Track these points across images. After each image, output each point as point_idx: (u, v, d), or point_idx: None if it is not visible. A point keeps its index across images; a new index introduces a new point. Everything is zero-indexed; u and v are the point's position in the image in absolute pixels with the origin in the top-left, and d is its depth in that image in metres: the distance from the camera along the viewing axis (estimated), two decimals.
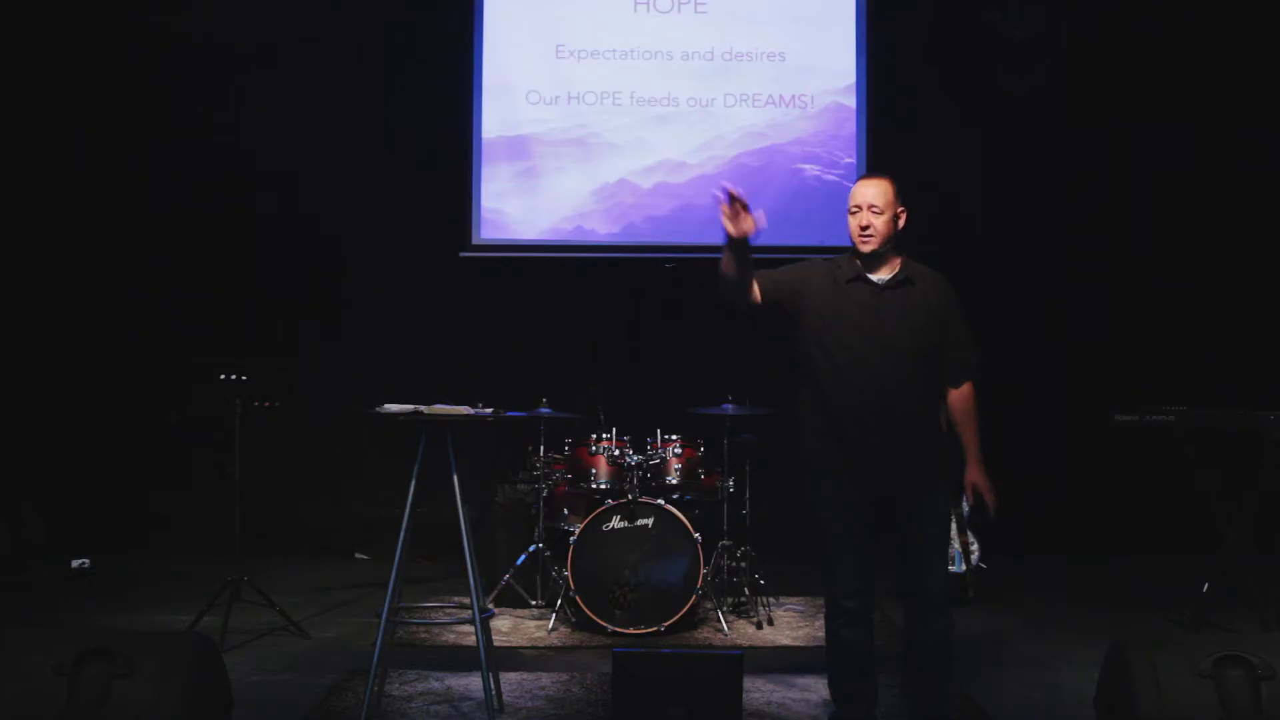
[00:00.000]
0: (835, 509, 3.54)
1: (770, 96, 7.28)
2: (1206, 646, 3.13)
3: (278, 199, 7.17)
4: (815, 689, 4.32)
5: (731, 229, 3.29)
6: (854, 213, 3.55)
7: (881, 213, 3.52)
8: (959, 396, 3.66)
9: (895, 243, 3.58)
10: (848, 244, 3.62)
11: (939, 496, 3.60)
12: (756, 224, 3.29)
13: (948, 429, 3.66)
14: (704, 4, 7.31)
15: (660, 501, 5.29)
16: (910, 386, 3.50)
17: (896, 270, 3.58)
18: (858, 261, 3.59)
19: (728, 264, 3.42)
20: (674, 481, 5.53)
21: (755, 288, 3.52)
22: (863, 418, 3.48)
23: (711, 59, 7.30)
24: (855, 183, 3.64)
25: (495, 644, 4.54)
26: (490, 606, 4.71)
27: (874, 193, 3.54)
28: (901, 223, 3.59)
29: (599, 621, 5.15)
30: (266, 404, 5.35)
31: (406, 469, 3.98)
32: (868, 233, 3.52)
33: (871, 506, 3.53)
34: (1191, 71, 7.13)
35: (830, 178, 7.27)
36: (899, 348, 3.49)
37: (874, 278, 3.57)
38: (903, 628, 3.70)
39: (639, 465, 5.44)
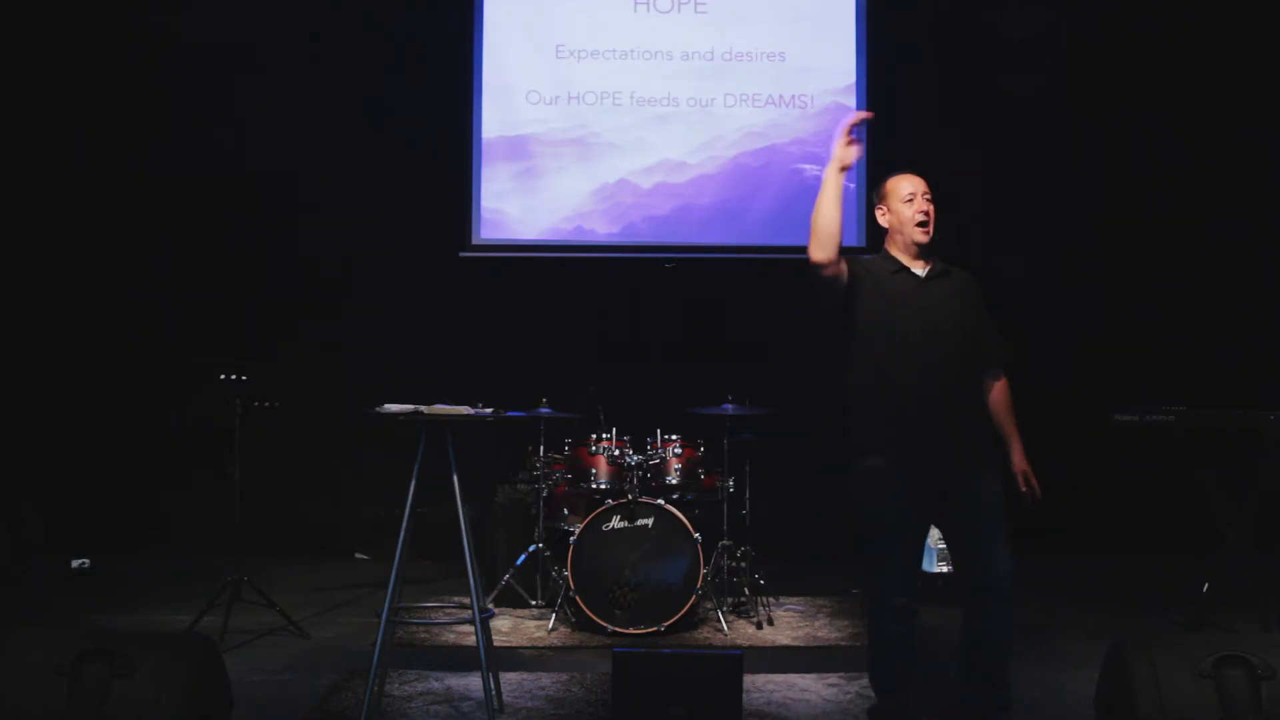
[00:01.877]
0: (891, 501, 3.50)
1: (770, 96, 7.29)
2: (1206, 646, 3.13)
3: (278, 199, 7.17)
4: (815, 689, 4.32)
5: (845, 155, 3.34)
6: (909, 200, 3.57)
7: (933, 202, 3.58)
8: (996, 388, 3.70)
9: None
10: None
11: (994, 479, 3.56)
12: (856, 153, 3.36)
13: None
14: (704, 4, 7.31)
15: (660, 501, 5.29)
16: (962, 370, 3.56)
17: (933, 264, 3.62)
18: (896, 255, 3.62)
19: (831, 205, 3.39)
20: (674, 481, 5.53)
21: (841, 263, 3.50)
22: (922, 398, 3.47)
23: (711, 59, 7.30)
24: (892, 177, 3.65)
25: (495, 644, 4.54)
26: (490, 606, 4.70)
27: (924, 183, 3.58)
28: None
29: (599, 621, 5.15)
30: (266, 404, 5.36)
31: (406, 469, 3.98)
32: (928, 220, 3.55)
33: (924, 499, 3.50)
34: (1191, 71, 7.13)
35: None
36: (949, 333, 3.53)
37: (916, 271, 3.61)
38: (963, 623, 3.60)
39: (639, 465, 5.44)
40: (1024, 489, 3.64)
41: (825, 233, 3.42)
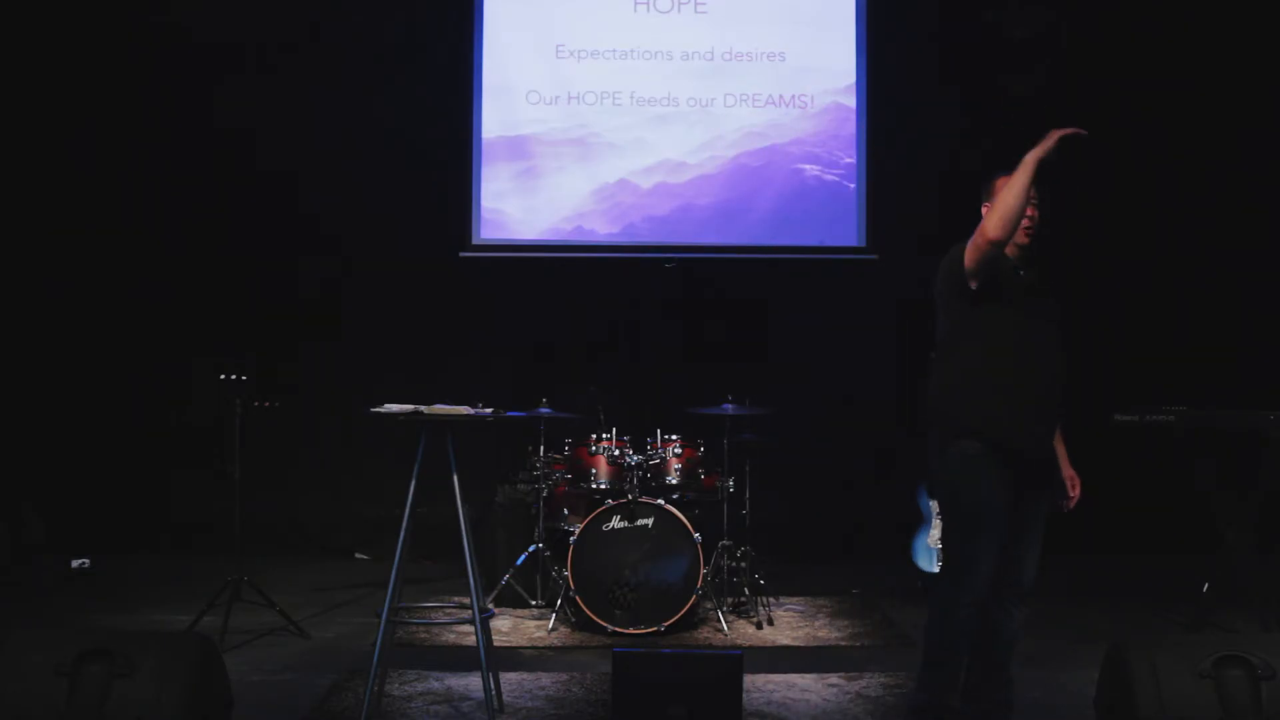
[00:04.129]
0: (995, 491, 3.48)
1: (770, 96, 7.29)
2: (1206, 646, 3.13)
3: (278, 199, 7.17)
4: (815, 689, 4.32)
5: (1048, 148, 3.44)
6: None
7: (1038, 207, 3.63)
8: None
9: None
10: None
11: (1049, 489, 3.67)
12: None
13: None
14: (704, 4, 7.31)
15: (660, 501, 5.28)
16: (1061, 375, 3.61)
17: (1032, 268, 3.67)
18: (1006, 255, 3.63)
19: (1023, 191, 3.45)
20: (674, 481, 5.53)
21: None
22: (1038, 397, 3.52)
23: (711, 59, 7.30)
24: (1003, 176, 3.64)
25: (495, 644, 4.53)
26: (490, 606, 4.70)
27: (1033, 189, 3.60)
28: None
29: (599, 621, 5.15)
30: (266, 404, 5.36)
31: (406, 469, 3.98)
32: (1033, 226, 3.62)
33: (1015, 493, 3.51)
34: (1192, 71, 7.13)
35: (830, 178, 7.27)
36: (1054, 337, 3.61)
37: (1023, 272, 3.65)
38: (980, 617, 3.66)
39: (639, 465, 5.43)
40: (1072, 493, 3.71)
41: (1013, 215, 3.44)
